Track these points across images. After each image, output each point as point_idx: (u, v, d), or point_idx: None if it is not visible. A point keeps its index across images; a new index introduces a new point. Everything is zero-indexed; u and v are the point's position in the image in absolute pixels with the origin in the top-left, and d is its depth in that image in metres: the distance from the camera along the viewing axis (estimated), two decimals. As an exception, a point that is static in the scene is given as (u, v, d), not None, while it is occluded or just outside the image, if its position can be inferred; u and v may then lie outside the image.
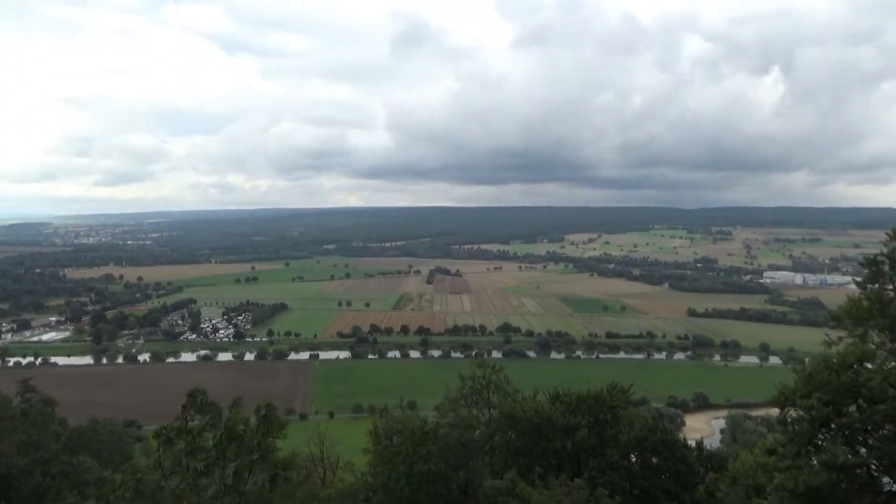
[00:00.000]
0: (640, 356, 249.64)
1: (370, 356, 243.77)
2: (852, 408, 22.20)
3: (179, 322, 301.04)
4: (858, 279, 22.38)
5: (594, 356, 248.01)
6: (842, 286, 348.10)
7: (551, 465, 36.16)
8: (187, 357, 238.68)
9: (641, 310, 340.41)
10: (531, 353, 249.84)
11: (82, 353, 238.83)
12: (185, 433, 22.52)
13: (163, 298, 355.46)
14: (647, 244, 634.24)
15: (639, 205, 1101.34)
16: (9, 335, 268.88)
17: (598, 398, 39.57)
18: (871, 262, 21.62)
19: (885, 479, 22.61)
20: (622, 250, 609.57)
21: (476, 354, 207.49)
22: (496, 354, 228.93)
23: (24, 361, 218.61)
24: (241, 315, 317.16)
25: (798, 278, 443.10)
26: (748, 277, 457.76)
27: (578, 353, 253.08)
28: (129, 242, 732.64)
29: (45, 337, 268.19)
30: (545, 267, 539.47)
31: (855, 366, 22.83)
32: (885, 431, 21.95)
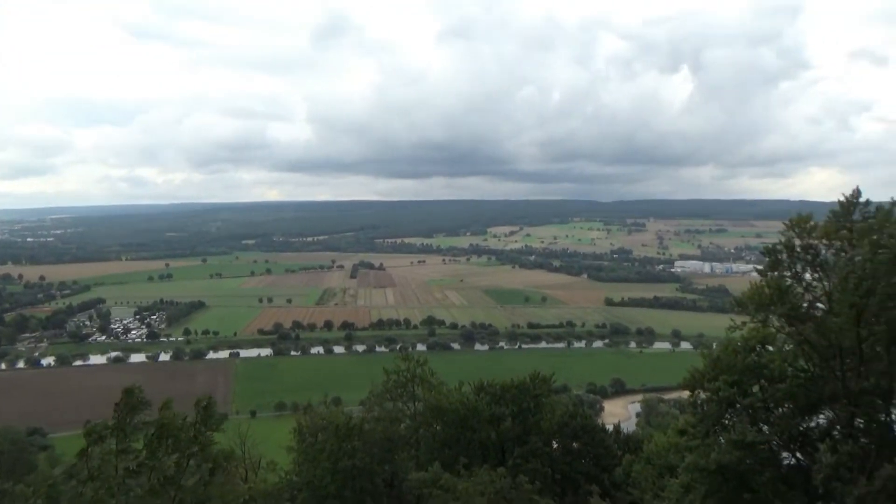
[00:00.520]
0: (561, 345, 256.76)
1: (293, 353, 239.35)
2: (755, 388, 23.67)
3: (87, 323, 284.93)
4: (760, 267, 23.77)
5: (517, 346, 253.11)
6: (745, 274, 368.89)
7: (477, 455, 36.65)
8: (97, 359, 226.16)
9: (562, 300, 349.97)
10: (455, 346, 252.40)
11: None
12: (118, 431, 21.66)
13: (68, 299, 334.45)
14: (567, 236, 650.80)
15: (558, 198, 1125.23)
16: None
17: (522, 388, 40.38)
18: (770, 251, 23.01)
19: (785, 454, 24.26)
20: (543, 242, 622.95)
21: (401, 348, 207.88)
22: (421, 347, 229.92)
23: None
24: (154, 314, 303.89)
25: (706, 267, 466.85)
26: (661, 267, 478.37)
27: (502, 343, 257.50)
28: (28, 240, 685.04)
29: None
30: (468, 260, 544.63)
31: (757, 348, 24.35)
32: (784, 409, 23.51)
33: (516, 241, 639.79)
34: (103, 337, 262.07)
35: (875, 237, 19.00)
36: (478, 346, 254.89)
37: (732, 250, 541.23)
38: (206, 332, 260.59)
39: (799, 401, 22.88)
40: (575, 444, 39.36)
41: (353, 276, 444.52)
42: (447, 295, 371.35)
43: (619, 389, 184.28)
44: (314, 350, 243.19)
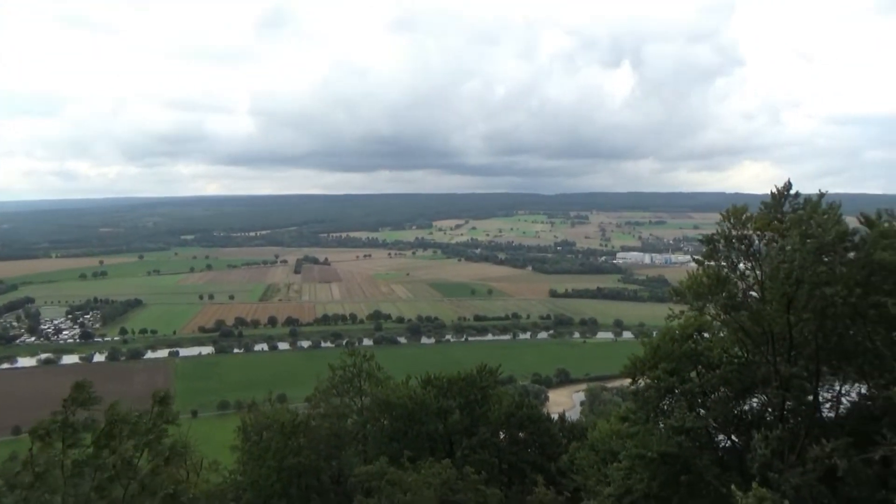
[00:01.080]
0: (507, 337, 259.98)
1: (236, 350, 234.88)
2: (693, 374, 24.45)
3: (14, 324, 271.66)
4: (697, 257, 24.47)
5: (464, 339, 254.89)
6: (684, 264, 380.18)
7: (425, 447, 36.68)
8: (26, 362, 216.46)
9: (507, 292, 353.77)
10: (402, 339, 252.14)
11: None
12: (67, 427, 20.85)
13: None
14: (512, 229, 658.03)
15: (503, 191, 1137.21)
16: None
17: (469, 380, 40.60)
18: (707, 241, 23.73)
19: (721, 437, 25.17)
20: (488, 235, 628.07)
21: (347, 343, 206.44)
22: (367, 342, 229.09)
23: None
24: (88, 313, 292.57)
25: (647, 258, 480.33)
26: (603, 258, 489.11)
27: (448, 336, 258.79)
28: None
29: None
30: (414, 253, 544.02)
31: (695, 336, 25.15)
32: (719, 393, 24.38)
33: (462, 235, 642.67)
34: (32, 338, 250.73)
35: (804, 228, 19.80)
36: (424, 340, 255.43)
37: (671, 241, 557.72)
38: (143, 331, 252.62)
39: (734, 386, 23.74)
40: (521, 434, 39.86)
41: (297, 272, 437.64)
42: (393, 289, 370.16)
43: (564, 379, 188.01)
44: (258, 347, 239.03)
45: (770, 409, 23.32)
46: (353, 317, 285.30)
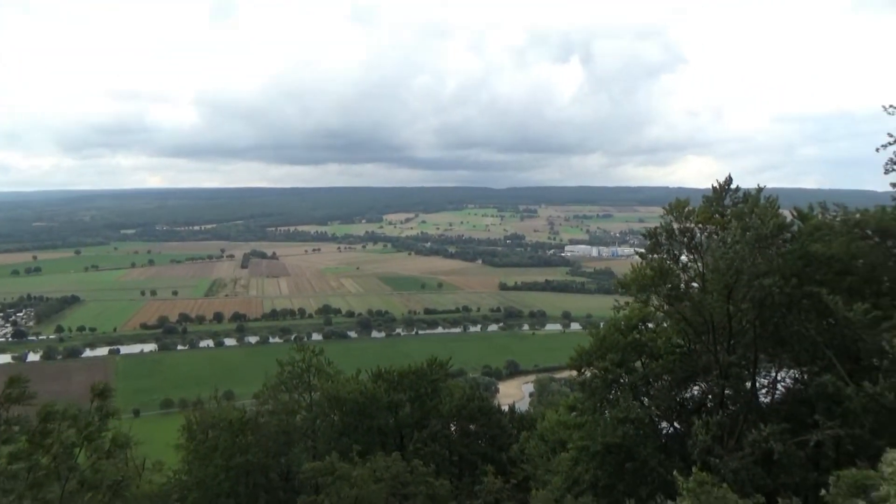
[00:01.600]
0: (457, 330, 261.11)
1: (180, 347, 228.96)
2: (637, 364, 25.09)
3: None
4: (642, 250, 25.06)
5: (414, 333, 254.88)
6: (629, 257, 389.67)
7: (376, 441, 36.54)
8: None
9: (457, 286, 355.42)
10: (352, 334, 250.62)
11: None
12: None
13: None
14: (462, 223, 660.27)
15: (453, 185, 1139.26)
16: None
17: (419, 373, 40.58)
18: (651, 235, 24.32)
19: (664, 424, 25.91)
20: (438, 229, 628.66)
21: (295, 338, 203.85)
22: (317, 337, 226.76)
23: None
24: (21, 311, 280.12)
25: (594, 251, 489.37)
26: (552, 252, 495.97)
27: (399, 330, 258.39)
28: None
29: None
30: (364, 247, 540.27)
31: (639, 326, 25.79)
32: (662, 382, 25.09)
33: (412, 228, 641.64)
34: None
35: (744, 221, 20.52)
36: (375, 334, 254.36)
37: (618, 234, 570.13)
38: (81, 329, 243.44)
39: (676, 374, 24.46)
40: (472, 426, 40.13)
41: (244, 266, 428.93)
42: (343, 283, 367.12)
43: (514, 371, 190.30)
44: (203, 343, 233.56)
45: (710, 396, 24.12)
46: (302, 311, 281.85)
